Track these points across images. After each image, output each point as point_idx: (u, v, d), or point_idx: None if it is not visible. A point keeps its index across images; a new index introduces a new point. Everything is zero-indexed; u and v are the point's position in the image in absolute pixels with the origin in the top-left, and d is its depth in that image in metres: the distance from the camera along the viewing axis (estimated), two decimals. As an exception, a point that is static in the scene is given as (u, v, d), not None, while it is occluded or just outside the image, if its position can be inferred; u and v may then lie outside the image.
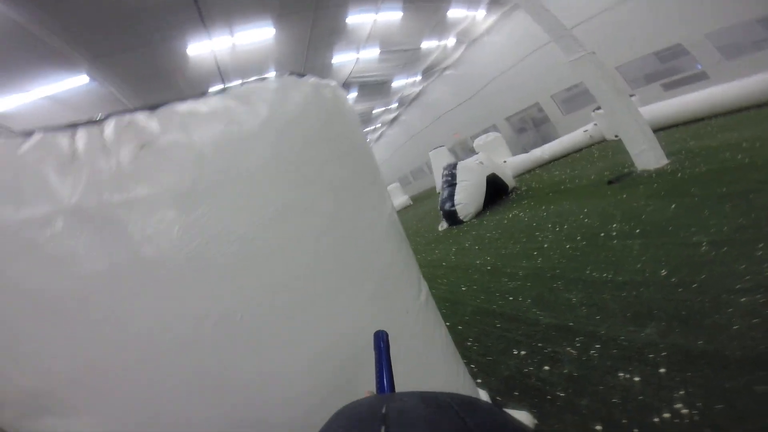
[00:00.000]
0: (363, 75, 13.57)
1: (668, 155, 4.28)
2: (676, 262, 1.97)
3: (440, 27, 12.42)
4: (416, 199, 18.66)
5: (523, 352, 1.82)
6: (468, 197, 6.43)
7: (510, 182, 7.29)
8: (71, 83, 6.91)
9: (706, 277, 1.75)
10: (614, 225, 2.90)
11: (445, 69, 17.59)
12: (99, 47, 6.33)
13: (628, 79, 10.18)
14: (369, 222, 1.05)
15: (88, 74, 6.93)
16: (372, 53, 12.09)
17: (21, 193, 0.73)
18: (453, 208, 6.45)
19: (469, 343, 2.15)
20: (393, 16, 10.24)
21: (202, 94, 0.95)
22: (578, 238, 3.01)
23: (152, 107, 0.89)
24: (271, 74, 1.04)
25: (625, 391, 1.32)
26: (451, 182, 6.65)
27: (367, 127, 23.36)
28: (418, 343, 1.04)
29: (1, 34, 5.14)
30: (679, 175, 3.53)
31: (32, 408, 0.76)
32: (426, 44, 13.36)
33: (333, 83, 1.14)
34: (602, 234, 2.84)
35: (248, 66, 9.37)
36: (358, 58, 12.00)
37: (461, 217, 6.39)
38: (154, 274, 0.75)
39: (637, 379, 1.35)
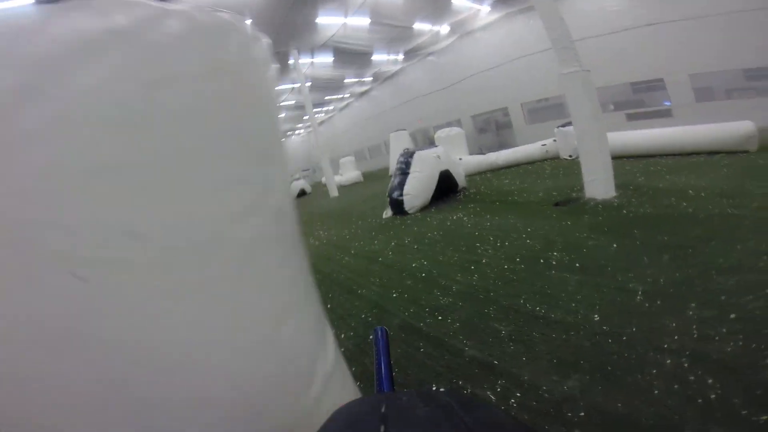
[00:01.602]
0: (345, 41, 13.09)
1: (617, 187, 4.47)
2: (610, 309, 1.98)
3: (440, 11, 12.24)
4: (368, 177, 18.36)
5: (441, 389, 1.68)
6: (417, 189, 6.32)
7: (461, 181, 7.33)
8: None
9: (637, 330, 1.75)
10: (555, 253, 2.92)
11: (428, 54, 17.59)
12: None
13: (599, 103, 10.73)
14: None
15: None
16: (362, 21, 11.64)
17: None
18: (401, 198, 6.31)
19: (386, 365, 1.98)
20: None
21: None
22: (518, 259, 3.00)
23: None
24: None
25: (539, 461, 1.23)
26: (404, 170, 6.47)
27: (335, 95, 22.41)
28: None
29: None
30: (624, 212, 3.68)
31: None
32: (419, 25, 13.20)
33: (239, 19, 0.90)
34: (542, 260, 2.84)
35: (228, 4, 8.22)
36: (345, 23, 11.49)
37: (407, 209, 6.28)
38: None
39: (552, 443, 1.27)
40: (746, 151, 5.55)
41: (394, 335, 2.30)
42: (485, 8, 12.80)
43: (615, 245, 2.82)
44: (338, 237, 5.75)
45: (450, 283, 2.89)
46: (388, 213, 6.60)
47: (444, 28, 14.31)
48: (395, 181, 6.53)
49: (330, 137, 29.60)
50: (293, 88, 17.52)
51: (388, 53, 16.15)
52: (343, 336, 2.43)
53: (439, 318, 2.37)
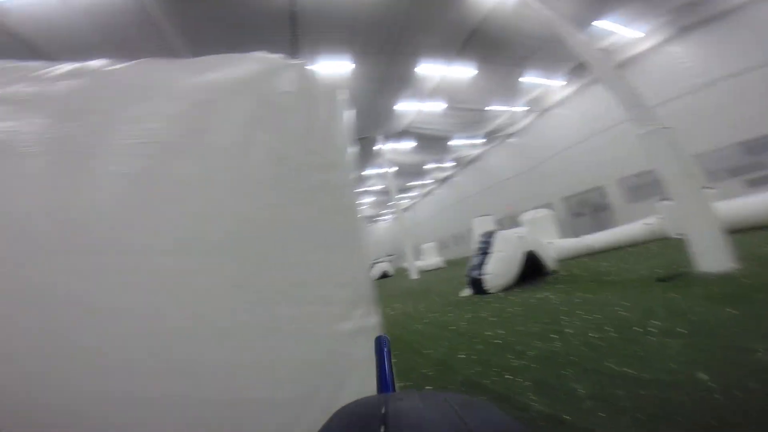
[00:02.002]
0: (423, 126, 14.03)
1: (738, 259, 3.74)
2: (721, 367, 1.61)
3: (512, 91, 12.63)
4: (451, 263, 18.10)
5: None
6: (499, 269, 6.08)
7: (550, 264, 6.82)
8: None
9: (756, 386, 1.39)
10: (654, 321, 2.50)
11: (509, 135, 17.60)
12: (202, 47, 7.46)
13: (707, 172, 9.27)
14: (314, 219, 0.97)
15: None
16: (436, 106, 12.54)
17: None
18: (480, 277, 6.11)
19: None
20: (465, 72, 10.64)
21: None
22: (607, 328, 2.63)
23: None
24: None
25: None
26: (485, 250, 6.39)
27: (417, 181, 23.76)
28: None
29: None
30: (745, 281, 3.05)
31: None
32: (494, 107, 13.51)
33: (333, 80, 1.16)
34: (637, 328, 2.45)
35: None
36: (421, 109, 12.57)
37: (487, 288, 6.00)
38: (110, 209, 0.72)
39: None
40: None
41: (454, 389, 2.15)
42: (557, 83, 12.74)
43: (730, 310, 2.32)
44: (413, 309, 5.70)
45: (525, 349, 2.63)
46: (466, 292, 6.39)
47: (520, 108, 14.41)
48: (475, 260, 6.45)
49: (413, 224, 30.75)
50: (379, 173, 19.14)
51: (468, 137, 16.61)
52: (398, 387, 2.35)
53: (507, 377, 2.15)
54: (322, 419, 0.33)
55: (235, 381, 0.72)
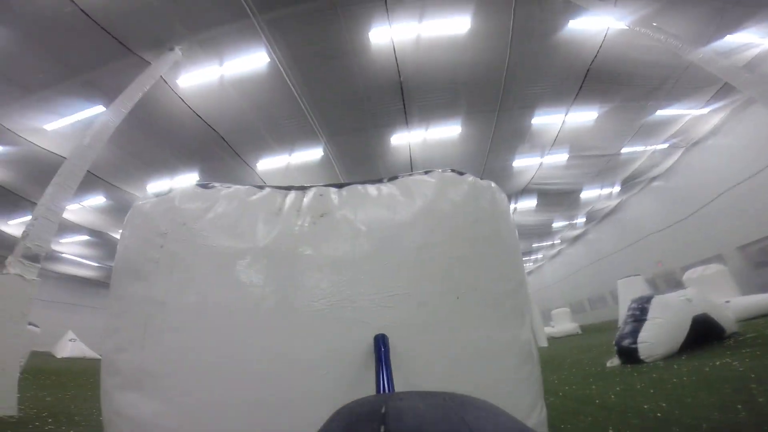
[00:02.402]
0: (546, 182, 12.95)
1: None
2: None
3: (646, 129, 11.02)
4: (588, 329, 15.44)
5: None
6: (658, 337, 5.12)
7: (729, 325, 5.45)
8: (311, 154, 10.25)
9: None
10: None
11: (652, 179, 15.16)
12: (335, 127, 9.12)
13: None
14: (492, 337, 1.14)
15: (324, 148, 10.04)
16: (558, 158, 11.48)
17: (236, 229, 1.13)
18: (634, 346, 5.20)
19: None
20: (585, 117, 9.80)
21: (380, 180, 1.30)
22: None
23: (341, 185, 1.27)
24: (436, 169, 1.35)
25: None
26: (638, 317, 5.52)
27: (543, 242, 22.11)
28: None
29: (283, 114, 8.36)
30: None
31: (132, 381, 1.00)
32: (627, 149, 11.83)
33: (493, 185, 1.40)
34: None
35: (434, 159, 10.81)
36: (541, 163, 11.69)
37: (642, 357, 5.03)
38: (294, 315, 1.03)
39: None
40: None
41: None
42: (701, 111, 10.63)
43: None
44: (545, 381, 5.08)
45: (698, 422, 2.16)
46: (614, 362, 5.45)
47: (661, 146, 12.26)
48: (626, 328, 5.60)
49: (539, 287, 27.80)
50: None
51: (600, 187, 14.60)
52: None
53: (675, 453, 1.81)
54: None
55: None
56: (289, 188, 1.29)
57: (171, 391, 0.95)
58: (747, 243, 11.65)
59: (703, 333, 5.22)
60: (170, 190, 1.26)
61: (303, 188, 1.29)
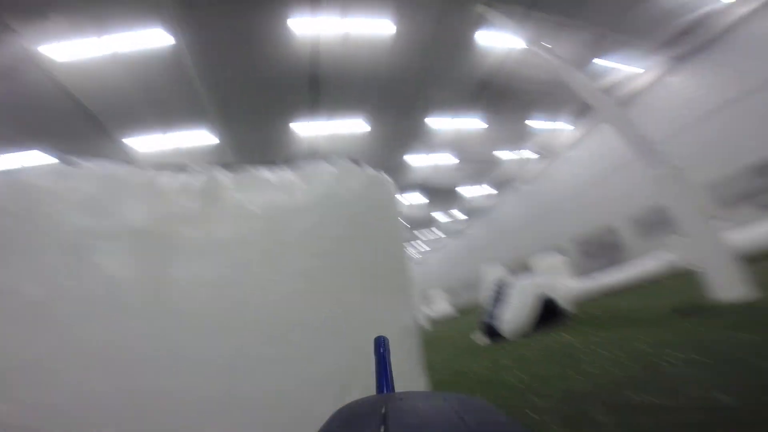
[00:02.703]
0: (434, 179, 14.46)
1: (756, 287, 3.78)
2: (742, 389, 1.67)
3: (521, 138, 13.08)
4: (463, 312, 17.63)
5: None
6: (514, 316, 6.08)
7: (567, 307, 6.79)
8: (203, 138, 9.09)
9: None
10: (675, 353, 2.54)
11: (517, 182, 17.81)
12: (233, 111, 8.08)
13: (718, 199, 9.19)
14: (376, 311, 1.22)
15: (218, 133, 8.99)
16: (447, 159, 13.01)
17: (104, 210, 0.98)
18: (496, 324, 6.10)
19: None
20: (474, 123, 11.24)
21: (276, 164, 1.28)
22: (630, 363, 2.66)
23: (232, 167, 1.20)
24: (335, 158, 1.38)
25: None
26: (498, 297, 6.43)
27: (426, 231, 23.95)
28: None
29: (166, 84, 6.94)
30: (765, 306, 3.09)
31: None
32: (504, 155, 13.93)
33: (385, 176, 1.51)
34: (659, 361, 2.49)
35: (337, 150, 10.93)
36: (432, 162, 13.08)
37: (503, 334, 5.94)
38: (172, 303, 0.94)
39: None
40: None
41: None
42: (565, 126, 13.13)
43: (754, 336, 2.37)
44: (427, 359, 5.59)
45: (550, 391, 2.64)
46: (482, 340, 6.30)
47: (530, 154, 14.80)
48: (489, 308, 6.47)
49: (421, 274, 30.38)
50: None
51: (477, 185, 16.97)
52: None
53: (535, 417, 2.17)
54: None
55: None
56: (172, 167, 1.16)
57: (19, 391, 0.83)
58: (579, 236, 14.71)
59: (548, 313, 6.43)
60: (22, 167, 1.08)
61: (189, 168, 1.16)
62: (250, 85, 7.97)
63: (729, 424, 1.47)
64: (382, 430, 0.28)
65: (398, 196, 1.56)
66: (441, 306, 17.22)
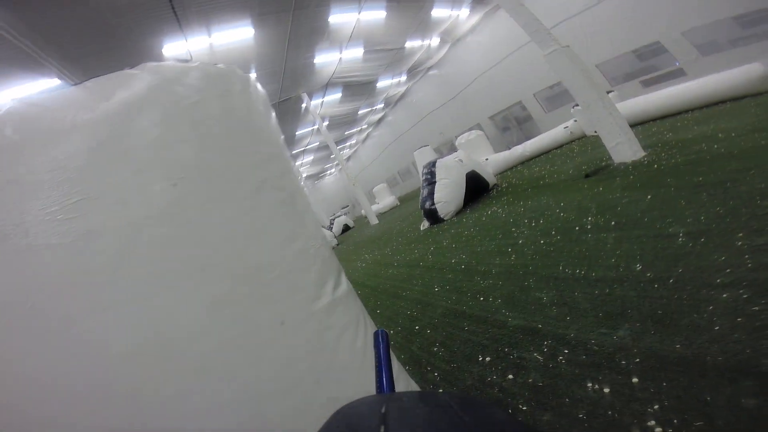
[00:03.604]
0: (347, 75, 13.41)
1: (645, 148, 4.19)
2: (651, 256, 1.81)
3: (424, 26, 12.29)
4: (404, 199, 18.48)
5: (488, 359, 1.62)
6: (448, 195, 6.26)
7: (490, 179, 7.16)
8: (42, 85, 6.56)
9: (683, 271, 1.58)
10: (589, 218, 2.74)
11: (429, 69, 17.66)
12: (69, 50, 5.98)
13: (608, 77, 10.31)
14: (248, 212, 0.86)
15: (59, 77, 6.57)
16: (355, 53, 11.90)
17: None
18: (433, 207, 6.28)
19: (435, 348, 1.95)
20: (376, 15, 10.03)
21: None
22: (553, 232, 2.85)
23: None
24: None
25: (592, 405, 1.13)
26: (430, 180, 6.48)
27: (354, 128, 23.15)
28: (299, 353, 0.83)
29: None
30: (656, 166, 3.40)
31: None
32: (410, 44, 13.26)
33: (235, 71, 1.03)
34: (577, 228, 2.68)
35: (226, 64, 9.11)
36: (341, 58, 11.82)
37: (442, 216, 6.23)
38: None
39: (606, 390, 1.16)
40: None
41: (438, 322, 2.27)
42: (464, 11, 12.69)
43: (649, 197, 2.59)
44: (381, 256, 5.82)
45: (489, 268, 2.80)
46: (425, 224, 6.59)
47: (434, 41, 14.29)
48: (425, 192, 6.55)
49: (359, 170, 30.46)
50: (313, 130, 18.37)
51: (392, 77, 16.31)
52: (392, 332, 2.44)
53: (481, 299, 2.30)
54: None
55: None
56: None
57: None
58: (494, 113, 15.48)
59: (475, 187, 6.77)
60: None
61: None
62: (84, 22, 5.75)
63: (647, 295, 1.58)
64: (382, 430, 0.26)
65: (259, 91, 1.09)
66: (386, 200, 17.69)
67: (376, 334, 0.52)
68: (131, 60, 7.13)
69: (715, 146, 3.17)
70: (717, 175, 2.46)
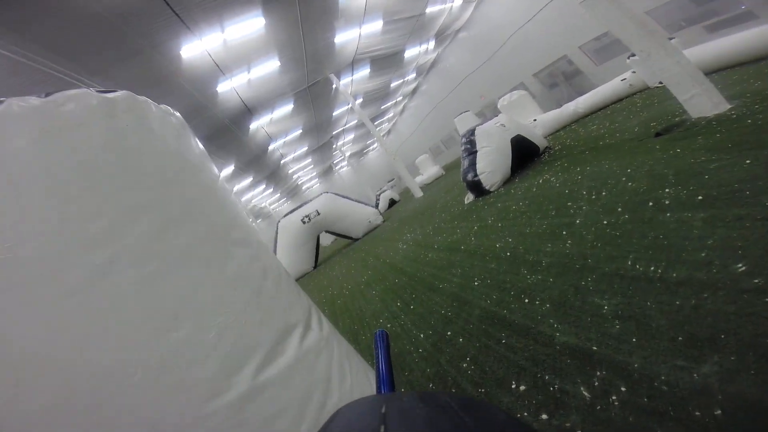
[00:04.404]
0: (370, 50, 13.07)
1: (729, 99, 3.27)
2: (761, 250, 1.33)
3: None
4: (449, 168, 17.71)
5: (522, 387, 1.35)
6: (491, 164, 5.71)
7: (540, 142, 6.39)
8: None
9: None
10: (666, 190, 2.19)
11: (457, 32, 16.74)
12: (90, 63, 6.31)
13: (662, 25, 8.81)
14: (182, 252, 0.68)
15: (98, 90, 7.06)
16: (374, 27, 11.49)
17: None
18: (476, 178, 5.79)
19: (465, 364, 1.71)
20: None
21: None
22: (619, 209, 2.35)
23: None
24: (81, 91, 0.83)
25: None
26: (471, 150, 5.94)
27: (388, 102, 22.54)
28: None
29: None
30: (749, 121, 2.60)
31: None
32: (430, 9, 12.56)
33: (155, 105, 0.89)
34: (650, 203, 2.16)
35: (247, 57, 9.05)
36: (360, 34, 11.47)
37: (487, 187, 5.73)
38: None
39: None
40: None
41: (472, 329, 2.01)
42: None
43: (748, 161, 1.96)
44: (423, 235, 5.56)
45: (538, 257, 2.42)
46: (469, 198, 6.14)
47: (457, 2, 13.46)
48: (465, 163, 6.05)
49: (400, 143, 29.75)
50: (348, 109, 18.07)
51: (419, 45, 15.58)
52: (422, 336, 2.24)
53: (526, 301, 1.97)
54: None
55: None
56: None
57: None
58: (539, 70, 14.01)
59: (523, 152, 6.08)
60: None
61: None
62: (97, 31, 5.79)
63: (751, 311, 1.15)
64: (382, 430, 0.27)
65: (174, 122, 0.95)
66: (430, 171, 17.10)
67: (376, 336, 0.51)
68: (153, 65, 7.37)
69: None
70: None
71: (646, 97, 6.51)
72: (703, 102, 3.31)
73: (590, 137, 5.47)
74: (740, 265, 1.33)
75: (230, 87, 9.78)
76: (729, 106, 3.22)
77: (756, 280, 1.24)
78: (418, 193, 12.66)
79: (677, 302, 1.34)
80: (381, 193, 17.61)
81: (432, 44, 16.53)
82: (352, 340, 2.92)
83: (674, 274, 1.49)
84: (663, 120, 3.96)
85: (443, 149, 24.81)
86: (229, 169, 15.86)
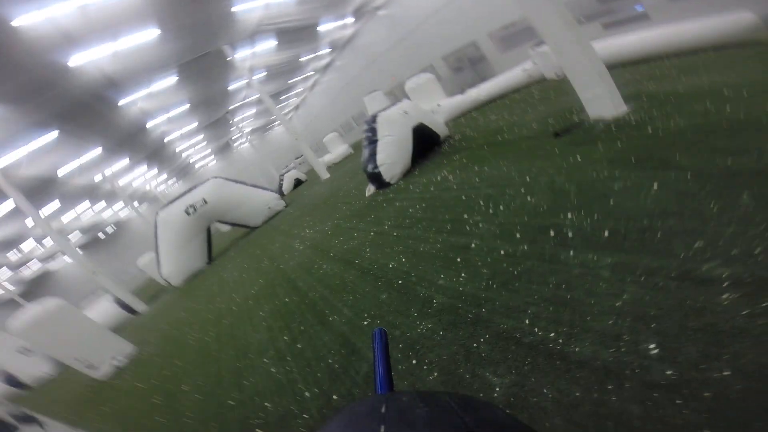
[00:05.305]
0: (278, 21, 11.62)
1: (626, 99, 3.32)
2: (675, 327, 1.10)
3: None
4: (358, 147, 17.15)
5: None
6: (392, 155, 5.34)
7: (441, 131, 6.25)
8: None
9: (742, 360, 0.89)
10: (569, 214, 1.99)
11: (377, 9, 16.02)
12: None
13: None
14: None
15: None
16: None
17: None
18: (377, 171, 5.37)
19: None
20: None
21: None
22: (518, 236, 2.10)
23: None
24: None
25: None
26: (372, 139, 5.45)
27: (297, 77, 20.70)
28: None
29: None
30: (649, 130, 2.61)
31: None
32: None
33: None
34: (552, 232, 1.93)
35: (113, 25, 7.34)
36: (268, 3, 10.02)
37: (387, 179, 5.37)
38: None
39: None
40: (759, 42, 4.16)
41: (360, 393, 1.60)
42: None
43: (656, 186, 1.84)
44: (321, 235, 4.95)
45: (429, 293, 2.08)
46: (370, 189, 5.72)
47: None
48: (366, 153, 5.56)
49: (310, 119, 28.09)
50: (246, 84, 16.00)
51: (335, 19, 14.61)
52: (308, 394, 1.77)
53: (414, 362, 1.58)
54: None
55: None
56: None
57: None
58: (447, 54, 14.23)
59: (424, 141, 5.85)
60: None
61: None
62: None
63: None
64: (382, 429, 0.27)
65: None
66: (338, 149, 16.28)
67: (374, 334, 0.50)
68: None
69: (727, 107, 2.38)
70: (752, 155, 1.73)
71: (543, 88, 6.81)
72: (604, 103, 3.28)
73: (489, 129, 5.47)
74: (652, 345, 1.08)
75: (88, 59, 7.73)
76: (626, 109, 3.24)
77: (669, 372, 0.99)
78: (325, 175, 11.91)
79: (577, 393, 1.05)
80: (286, 172, 16.22)
81: (351, 19, 15.64)
82: (233, 382, 2.29)
83: (577, 349, 1.21)
84: (560, 118, 3.98)
85: (354, 126, 24.17)
86: (96, 151, 12.80)
